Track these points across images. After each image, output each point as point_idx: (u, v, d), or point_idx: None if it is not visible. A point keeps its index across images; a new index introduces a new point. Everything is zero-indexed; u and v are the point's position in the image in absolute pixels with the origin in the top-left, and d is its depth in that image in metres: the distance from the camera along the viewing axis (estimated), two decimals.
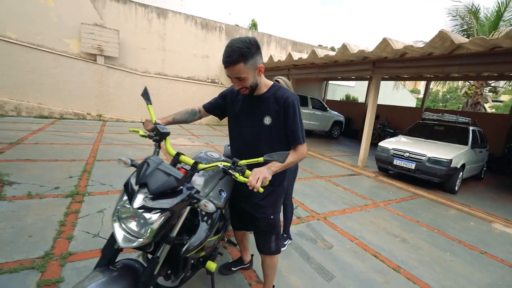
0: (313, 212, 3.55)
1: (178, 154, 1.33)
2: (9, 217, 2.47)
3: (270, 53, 12.53)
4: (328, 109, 11.02)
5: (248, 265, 2.19)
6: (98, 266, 1.15)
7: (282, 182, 1.62)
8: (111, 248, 1.17)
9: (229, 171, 1.18)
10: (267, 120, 1.43)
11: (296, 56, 7.55)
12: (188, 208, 1.19)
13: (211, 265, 1.55)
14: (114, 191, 3.36)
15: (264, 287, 1.81)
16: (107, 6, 9.22)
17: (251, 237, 2.00)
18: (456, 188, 5.31)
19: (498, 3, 9.94)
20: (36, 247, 2.09)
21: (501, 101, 27.18)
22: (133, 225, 1.06)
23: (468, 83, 13.00)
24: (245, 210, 1.61)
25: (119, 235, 1.05)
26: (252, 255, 2.20)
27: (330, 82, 15.40)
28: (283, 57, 8.32)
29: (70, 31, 8.68)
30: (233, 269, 2.11)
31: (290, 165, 1.39)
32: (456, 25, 11.40)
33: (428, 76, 10.19)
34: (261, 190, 1.14)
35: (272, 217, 1.59)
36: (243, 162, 1.19)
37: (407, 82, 18.95)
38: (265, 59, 9.21)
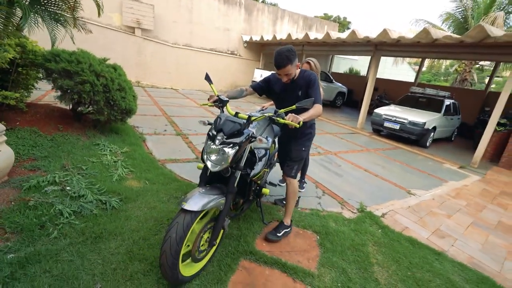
0: (327, 151, 5.47)
1: (237, 113, 1.87)
2: (158, 142, 4.31)
3: (284, 27, 13.77)
4: (333, 80, 12.54)
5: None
6: (198, 186, 1.70)
7: (310, 136, 2.45)
8: (205, 174, 1.77)
9: (274, 118, 1.69)
10: (299, 93, 2.10)
11: (312, 36, 9.00)
12: (250, 145, 1.73)
13: (266, 191, 2.23)
14: (200, 133, 5.19)
15: (285, 213, 2.40)
16: None
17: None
18: (427, 144, 7.25)
19: None
20: (185, 156, 3.97)
21: (501, 77, 28.60)
22: (217, 156, 1.62)
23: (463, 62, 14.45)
24: (288, 146, 2.40)
25: (209, 164, 1.62)
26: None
27: (335, 55, 16.65)
28: (299, 35, 9.72)
29: (113, 6, 9.87)
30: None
31: (313, 117, 1.93)
32: (456, 7, 12.53)
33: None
34: (297, 125, 1.62)
35: (303, 149, 2.36)
36: (282, 110, 1.70)
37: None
38: (284, 35, 10.55)
